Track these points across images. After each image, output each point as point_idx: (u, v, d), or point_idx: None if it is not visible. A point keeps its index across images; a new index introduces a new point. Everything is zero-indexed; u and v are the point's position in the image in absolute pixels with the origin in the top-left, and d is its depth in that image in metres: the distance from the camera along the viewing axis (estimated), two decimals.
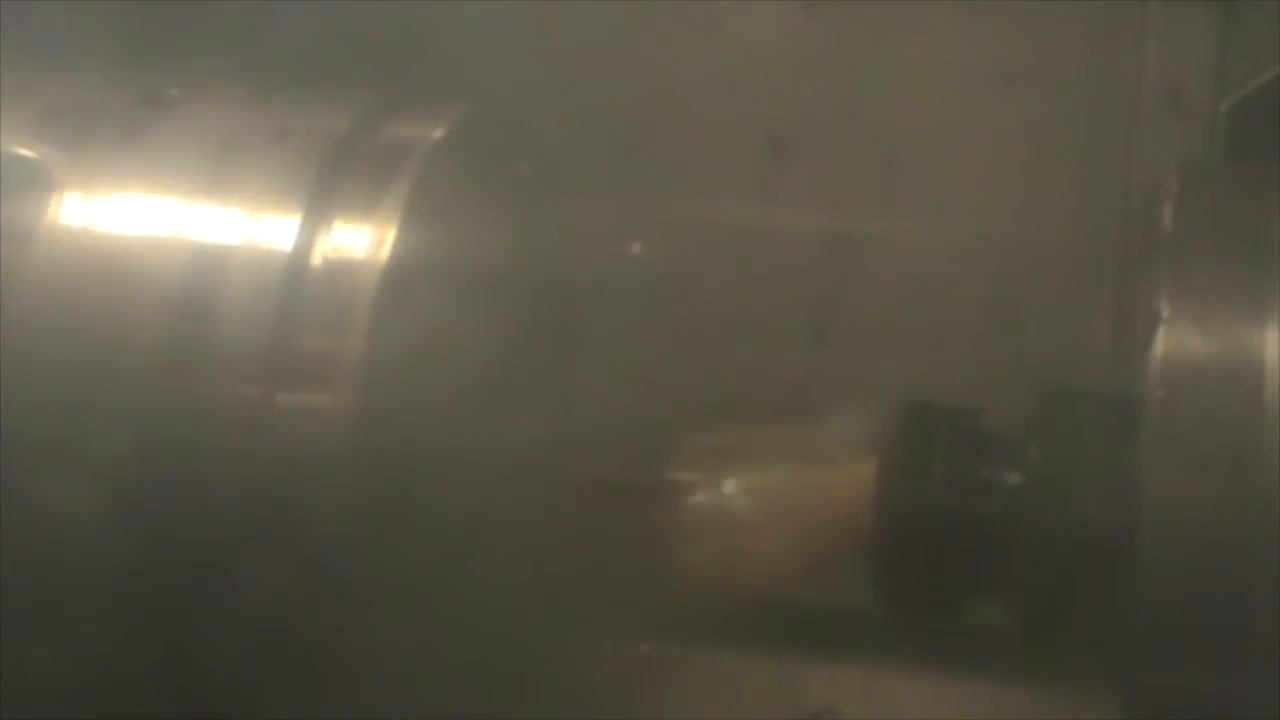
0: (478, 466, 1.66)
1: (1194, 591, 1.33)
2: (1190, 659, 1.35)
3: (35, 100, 1.63)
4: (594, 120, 1.98)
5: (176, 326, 1.50)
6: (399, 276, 1.51)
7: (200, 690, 1.54)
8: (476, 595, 1.66)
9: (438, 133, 1.60)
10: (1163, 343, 1.35)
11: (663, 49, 2.05)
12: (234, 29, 1.90)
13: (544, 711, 1.81)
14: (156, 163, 1.58)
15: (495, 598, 1.69)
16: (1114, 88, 1.95)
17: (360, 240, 1.52)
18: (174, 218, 1.54)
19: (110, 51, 1.77)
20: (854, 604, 1.65)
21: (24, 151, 1.59)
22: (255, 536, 1.48)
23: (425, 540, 1.59)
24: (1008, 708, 1.88)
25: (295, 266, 1.51)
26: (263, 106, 1.64)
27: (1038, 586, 1.45)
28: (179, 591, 1.53)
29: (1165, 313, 1.35)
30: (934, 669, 1.90)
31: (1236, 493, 1.31)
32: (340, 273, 1.50)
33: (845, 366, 2.03)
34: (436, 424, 1.60)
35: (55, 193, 1.56)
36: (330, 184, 1.54)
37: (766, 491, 1.64)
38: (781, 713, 1.91)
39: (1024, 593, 1.47)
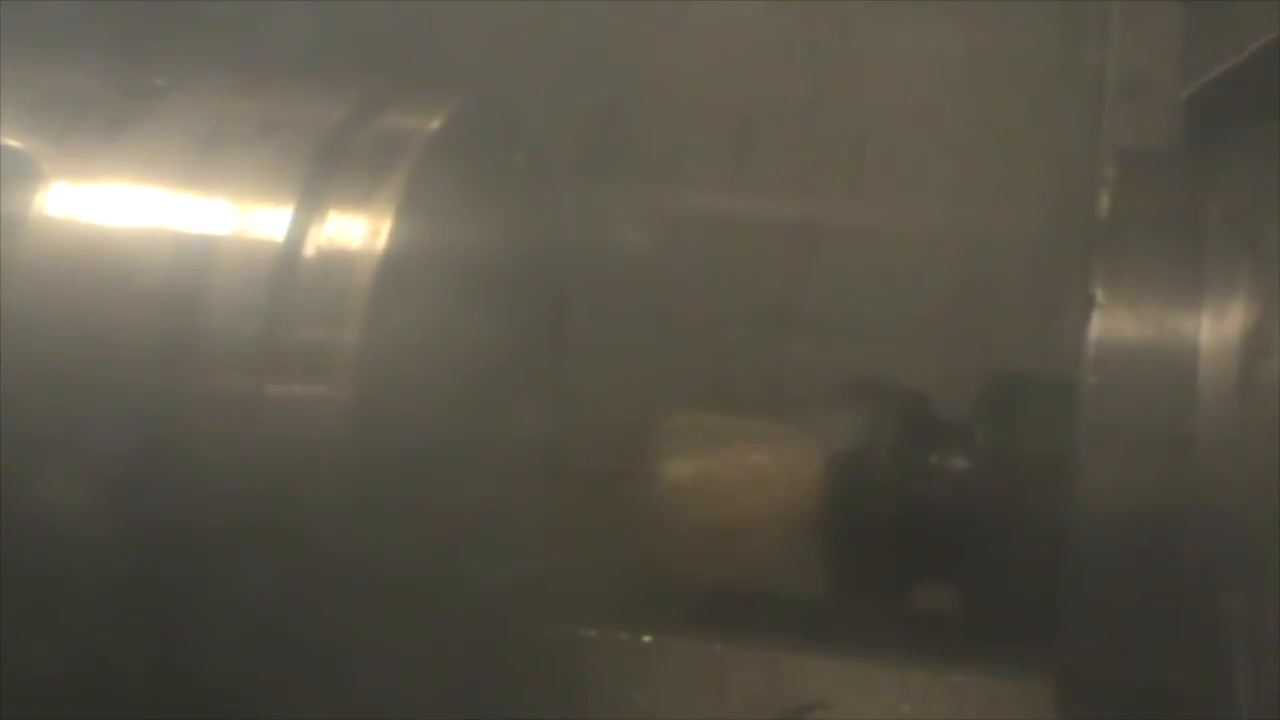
0: (474, 458, 1.68)
1: (1128, 575, 1.34)
2: (1124, 642, 1.36)
3: (22, 91, 1.63)
4: (563, 109, 1.99)
5: (167, 319, 1.51)
6: (396, 267, 1.52)
7: (194, 686, 1.55)
8: (471, 587, 1.68)
9: (433, 124, 1.61)
10: (1097, 328, 1.36)
11: (632, 37, 2.07)
12: (223, 21, 1.91)
13: (534, 704, 1.82)
14: (144, 154, 1.58)
15: (490, 590, 1.70)
16: (1080, 77, 1.96)
17: (356, 231, 1.52)
18: (163, 209, 1.55)
19: (98, 43, 1.78)
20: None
21: (11, 142, 1.59)
22: (249, 531, 1.49)
23: (420, 533, 1.60)
24: (1000, 702, 1.88)
25: (288, 257, 1.51)
26: (251, 98, 1.65)
27: (979, 572, 1.47)
28: (172, 587, 1.54)
29: (1100, 298, 1.36)
30: (925, 662, 1.91)
31: (1170, 477, 1.32)
32: (335, 264, 1.50)
33: (812, 353, 2.05)
34: (432, 416, 1.61)
35: (43, 184, 1.57)
36: (323, 175, 1.55)
37: (718, 478, 1.66)
38: (771, 706, 1.92)
39: (965, 577, 1.48)
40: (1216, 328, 1.34)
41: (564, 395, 1.85)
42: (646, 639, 1.95)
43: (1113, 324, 1.36)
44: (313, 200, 1.53)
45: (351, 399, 1.48)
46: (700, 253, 2.07)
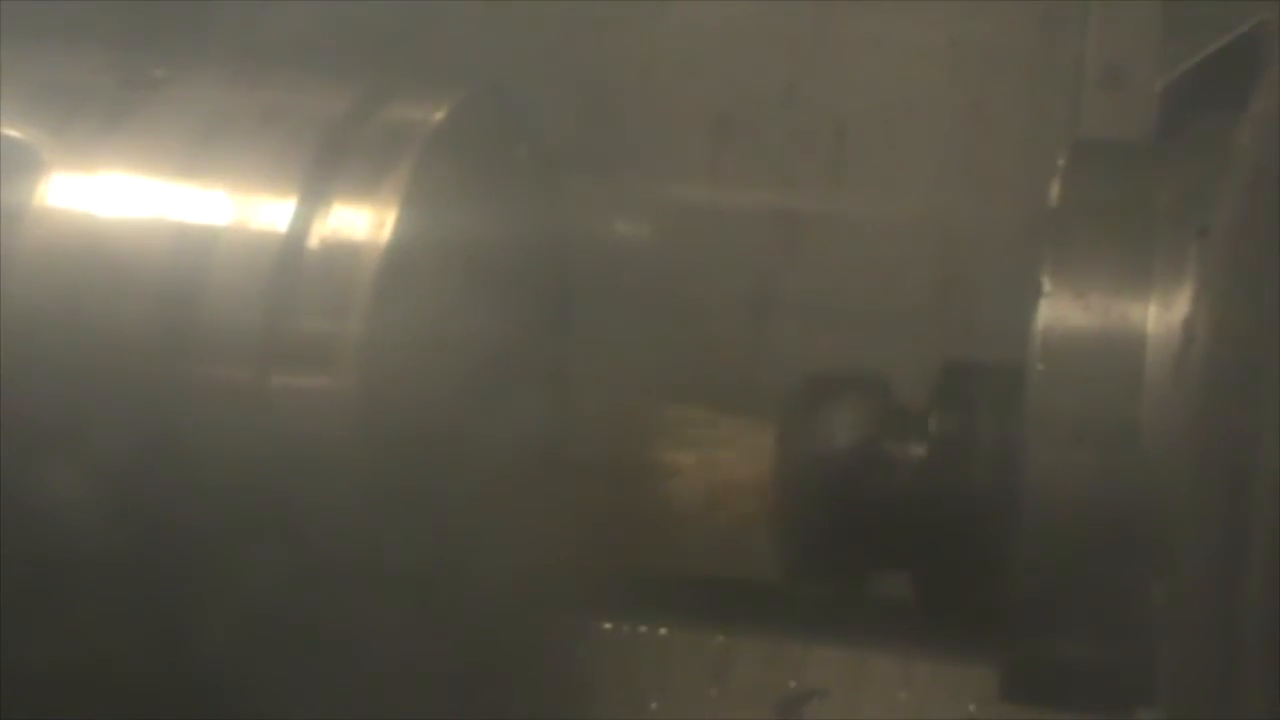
0: (477, 449, 1.70)
1: (1072, 562, 1.36)
2: (1067, 628, 1.38)
3: (22, 82, 1.66)
4: (544, 103, 2.01)
5: (169, 310, 1.53)
6: (400, 259, 1.55)
7: (196, 680, 1.59)
8: (474, 579, 1.71)
9: (437, 116, 1.64)
10: (1044, 316, 1.38)
11: (610, 30, 2.08)
12: (224, 13, 1.93)
13: (535, 695, 1.84)
14: (146, 144, 1.61)
15: (491, 582, 1.73)
16: (1059, 67, 1.97)
17: (360, 222, 1.54)
18: (165, 200, 1.57)
19: (98, 34, 1.80)
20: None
21: (11, 132, 1.62)
22: (251, 522, 1.52)
23: (423, 523, 1.62)
24: (982, 688, 1.90)
25: (292, 248, 1.53)
26: (253, 89, 1.69)
27: (930, 558, 1.48)
28: (173, 579, 1.56)
29: (1047, 286, 1.38)
30: (924, 651, 1.92)
31: (1114, 464, 1.34)
32: (340, 255, 1.53)
33: (792, 345, 2.06)
34: (435, 406, 1.64)
35: (43, 174, 1.59)
36: (327, 166, 1.57)
37: (682, 466, 1.68)
38: (770, 695, 1.93)
39: (918, 563, 1.50)
40: (1163, 317, 1.38)
41: (561, 386, 1.86)
42: (647, 630, 1.97)
43: (1060, 312, 1.39)
44: (317, 191, 1.56)
45: (355, 390, 1.51)
46: (680, 244, 2.09)
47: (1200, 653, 1.16)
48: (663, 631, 1.98)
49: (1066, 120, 1.95)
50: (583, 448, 1.85)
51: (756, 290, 2.07)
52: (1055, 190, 1.47)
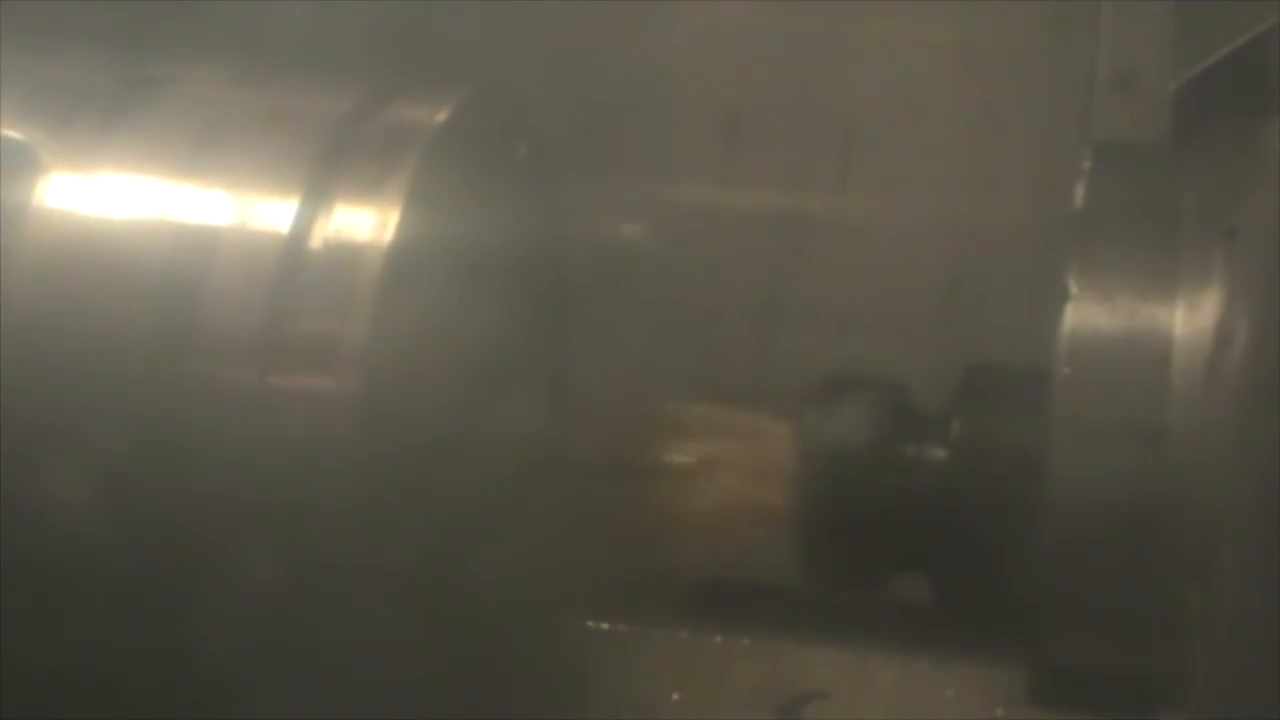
0: (479, 450, 1.70)
1: (1098, 566, 1.36)
2: (1094, 631, 1.38)
3: (22, 82, 1.66)
4: (552, 105, 2.01)
5: (170, 311, 1.53)
6: (403, 260, 1.54)
7: (196, 683, 1.58)
8: (474, 581, 1.70)
9: (440, 116, 1.64)
10: (1071, 320, 1.38)
11: (619, 32, 2.08)
12: (225, 13, 1.92)
13: (533, 696, 1.83)
14: (147, 145, 1.61)
15: (496, 583, 1.72)
16: (1070, 70, 1.98)
17: (363, 223, 1.54)
18: (166, 200, 1.57)
19: (99, 33, 1.80)
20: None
21: (11, 133, 1.61)
22: (252, 525, 1.51)
23: (424, 525, 1.62)
24: (1000, 690, 1.89)
25: (294, 249, 1.53)
26: (255, 89, 1.68)
27: (954, 561, 1.49)
28: (175, 581, 1.56)
29: (1073, 290, 1.38)
30: (924, 653, 1.92)
31: (1141, 469, 1.34)
32: (342, 256, 1.52)
33: (800, 348, 2.06)
34: (437, 408, 1.64)
35: (43, 175, 1.59)
36: (330, 167, 1.57)
37: (700, 470, 1.68)
38: (770, 696, 1.93)
39: (940, 567, 1.50)
40: (1190, 319, 1.37)
41: (562, 388, 1.86)
42: (645, 630, 1.97)
43: (1086, 316, 1.39)
44: (319, 192, 1.56)
45: (357, 392, 1.51)
46: (688, 247, 2.09)
47: (1236, 657, 1.16)
48: (661, 632, 1.98)
49: (1078, 123, 1.96)
50: (592, 449, 1.85)
51: (765, 294, 2.08)
52: (1080, 193, 1.47)
